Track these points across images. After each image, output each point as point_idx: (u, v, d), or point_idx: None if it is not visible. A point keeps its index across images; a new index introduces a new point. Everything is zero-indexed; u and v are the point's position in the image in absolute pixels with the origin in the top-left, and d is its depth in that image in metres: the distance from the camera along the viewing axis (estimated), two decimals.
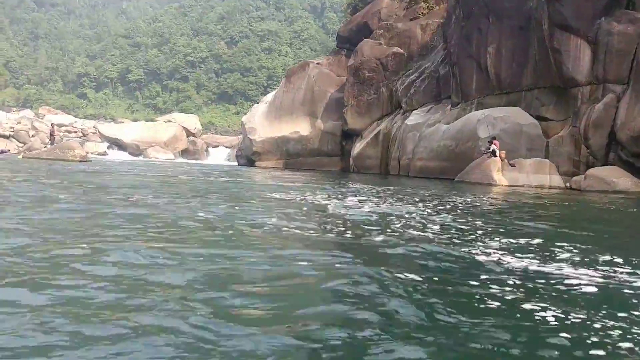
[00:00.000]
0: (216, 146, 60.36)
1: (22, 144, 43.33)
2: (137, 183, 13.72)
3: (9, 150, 40.11)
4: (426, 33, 32.75)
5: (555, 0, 20.72)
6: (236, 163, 41.96)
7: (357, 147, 31.96)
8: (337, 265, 4.48)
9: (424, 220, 7.80)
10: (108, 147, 53.16)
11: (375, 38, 33.65)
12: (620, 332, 2.92)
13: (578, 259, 5.08)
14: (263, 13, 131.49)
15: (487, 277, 4.18)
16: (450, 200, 12.04)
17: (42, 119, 62.85)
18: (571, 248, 5.65)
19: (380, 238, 6.01)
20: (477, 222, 7.90)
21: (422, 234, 6.50)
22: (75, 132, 62.76)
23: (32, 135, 47.54)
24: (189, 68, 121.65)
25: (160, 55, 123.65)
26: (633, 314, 3.24)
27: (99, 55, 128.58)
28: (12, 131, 47.45)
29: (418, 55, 32.30)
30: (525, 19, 22.74)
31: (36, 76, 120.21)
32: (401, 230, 6.69)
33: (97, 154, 45.84)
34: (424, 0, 34.76)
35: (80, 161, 25.41)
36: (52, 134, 38.08)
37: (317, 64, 38.14)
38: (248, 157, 37.99)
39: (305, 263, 4.48)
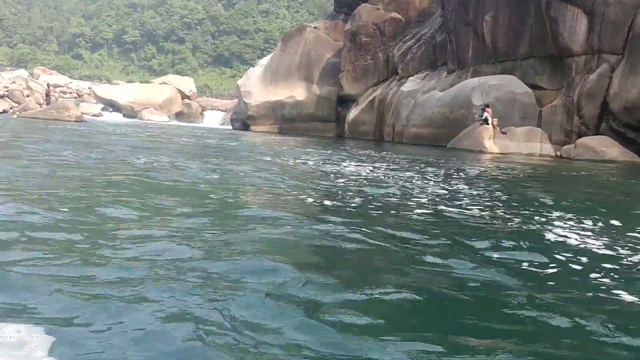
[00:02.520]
0: (211, 109, 60.00)
1: (16, 104, 43.06)
2: (133, 143, 13.88)
3: (11, 109, 39.89)
4: None
5: None
6: (231, 127, 41.88)
7: (352, 113, 31.95)
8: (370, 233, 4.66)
9: (430, 187, 7.99)
10: (103, 109, 52.88)
11: (373, 3, 33.33)
12: None
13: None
14: None
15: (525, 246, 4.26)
16: (449, 167, 12.25)
17: (37, 79, 62.27)
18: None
19: (393, 199, 6.21)
20: (485, 189, 8.13)
21: (434, 199, 6.69)
22: (70, 93, 62.34)
23: (27, 95, 47.16)
24: (185, 30, 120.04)
25: (157, 16, 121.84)
26: None
27: (94, 15, 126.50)
28: (7, 91, 47.10)
29: (415, 22, 32.06)
30: None
31: (30, 35, 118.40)
32: (406, 195, 6.89)
33: (92, 115, 45.67)
34: None
35: (75, 121, 25.52)
36: (47, 94, 37.90)
37: (314, 28, 37.75)
38: (243, 121, 37.92)
39: (308, 229, 4.61)
